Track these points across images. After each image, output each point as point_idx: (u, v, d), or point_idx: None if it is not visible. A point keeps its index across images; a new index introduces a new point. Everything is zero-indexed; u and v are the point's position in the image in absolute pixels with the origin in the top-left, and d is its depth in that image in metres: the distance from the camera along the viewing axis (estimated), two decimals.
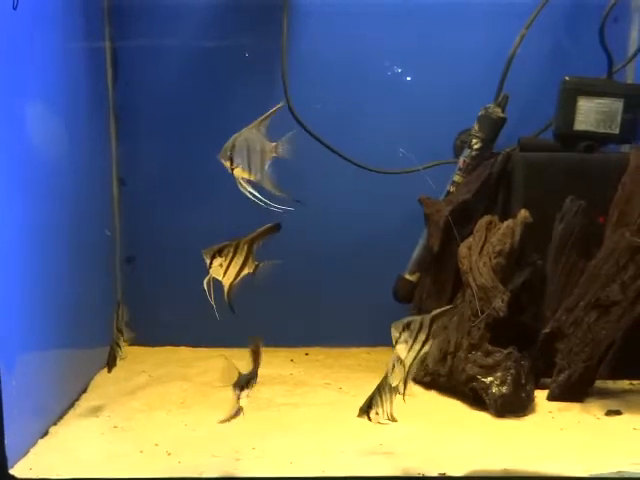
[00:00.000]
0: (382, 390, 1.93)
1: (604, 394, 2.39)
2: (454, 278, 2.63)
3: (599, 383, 2.41)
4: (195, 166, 3.01)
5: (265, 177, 1.99)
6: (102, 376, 2.59)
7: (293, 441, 2.04)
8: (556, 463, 1.89)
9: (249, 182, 1.99)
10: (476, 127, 2.80)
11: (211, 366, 2.72)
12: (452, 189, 2.81)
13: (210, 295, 1.94)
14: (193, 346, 2.97)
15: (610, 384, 2.46)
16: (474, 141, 2.79)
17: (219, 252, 1.94)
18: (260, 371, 2.57)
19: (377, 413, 1.94)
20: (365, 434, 2.05)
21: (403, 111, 2.98)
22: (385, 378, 1.93)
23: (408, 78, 2.98)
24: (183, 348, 2.97)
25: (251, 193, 1.99)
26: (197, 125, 2.99)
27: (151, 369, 2.68)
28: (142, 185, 2.98)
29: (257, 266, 2.00)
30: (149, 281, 3.00)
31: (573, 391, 2.34)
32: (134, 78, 2.95)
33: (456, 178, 2.81)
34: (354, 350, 2.96)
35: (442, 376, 2.45)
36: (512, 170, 2.69)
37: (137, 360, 2.76)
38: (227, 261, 1.95)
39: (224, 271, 1.94)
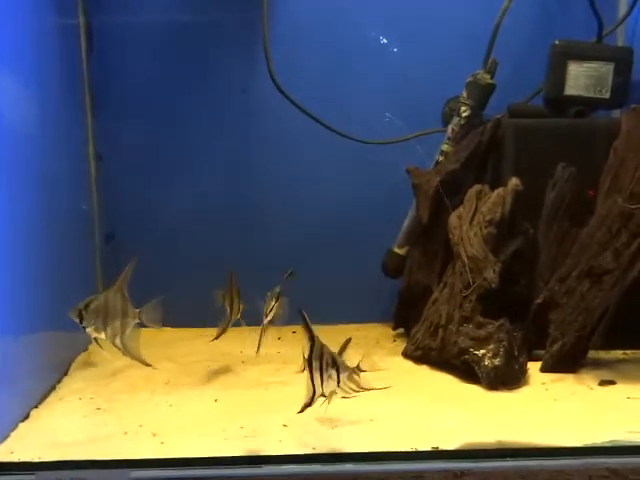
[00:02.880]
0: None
1: (597, 364, 2.41)
2: (444, 249, 2.64)
3: (592, 353, 2.43)
4: (175, 140, 2.99)
5: (126, 344, 2.03)
6: (84, 358, 2.59)
7: (282, 419, 2.03)
8: (550, 434, 1.90)
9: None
10: (465, 94, 2.79)
11: (195, 347, 2.73)
12: (441, 159, 2.81)
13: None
14: (176, 327, 2.97)
15: (603, 354, 2.49)
16: (463, 109, 2.78)
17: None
18: (246, 350, 2.61)
19: (336, 392, 1.88)
20: (356, 410, 2.06)
21: (389, 80, 2.97)
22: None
23: (394, 47, 2.97)
24: (166, 329, 2.96)
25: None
26: (176, 98, 2.98)
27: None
28: (120, 161, 2.96)
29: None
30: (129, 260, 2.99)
31: (566, 362, 2.36)
32: (110, 51, 2.92)
33: (445, 147, 2.81)
34: (343, 327, 2.96)
35: (433, 350, 2.46)
36: (502, 137, 2.68)
37: None
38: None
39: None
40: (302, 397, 2.21)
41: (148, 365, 2.11)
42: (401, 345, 2.72)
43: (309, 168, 2.98)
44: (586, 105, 2.71)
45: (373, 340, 2.89)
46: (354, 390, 1.95)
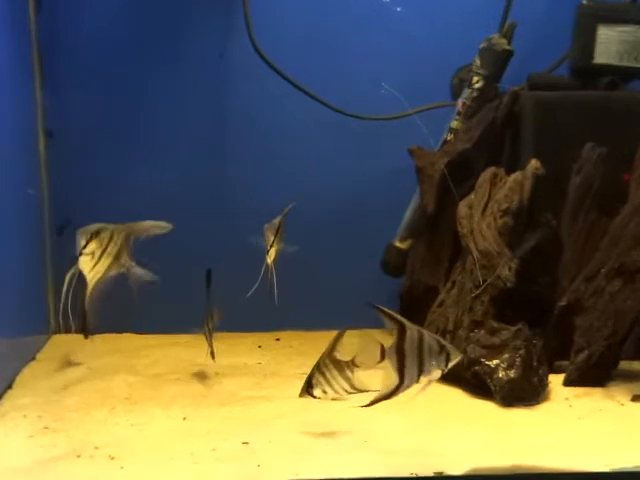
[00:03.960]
0: (323, 365, 2.00)
1: (630, 377, 2.42)
2: (453, 244, 2.65)
3: (624, 364, 2.44)
4: (140, 113, 2.99)
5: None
6: (31, 369, 2.59)
7: (261, 440, 2.04)
8: (574, 458, 1.91)
9: None
10: (477, 62, 2.81)
11: (162, 356, 2.73)
12: (449, 137, 2.82)
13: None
14: (139, 333, 2.97)
15: (637, 365, 2.50)
16: (475, 79, 2.80)
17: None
18: (221, 360, 2.61)
19: (325, 392, 2.00)
20: (347, 430, 2.06)
21: (391, 46, 2.98)
22: (327, 354, 2.01)
23: (394, 6, 2.98)
24: (128, 335, 2.97)
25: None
26: (141, 65, 2.97)
27: (89, 360, 2.67)
28: (73, 138, 2.96)
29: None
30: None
31: (593, 374, 2.37)
32: (62, 9, 2.92)
33: (454, 124, 2.82)
34: (334, 334, 2.96)
35: None
36: (520, 113, 2.70)
37: (72, 350, 2.75)
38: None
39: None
40: (286, 415, 2.23)
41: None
42: None
43: (296, 147, 2.99)
44: (619, 75, 2.72)
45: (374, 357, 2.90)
46: (347, 392, 1.98)
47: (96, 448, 2.02)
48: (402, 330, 1.82)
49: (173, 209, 2.99)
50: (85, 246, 2.02)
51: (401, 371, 1.80)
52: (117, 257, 2.07)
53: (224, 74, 2.99)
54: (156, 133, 2.99)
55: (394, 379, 1.81)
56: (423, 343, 1.81)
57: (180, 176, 3.01)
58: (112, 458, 1.97)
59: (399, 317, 1.84)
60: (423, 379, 1.83)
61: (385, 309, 1.84)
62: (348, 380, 2.00)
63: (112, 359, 2.70)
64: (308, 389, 2.03)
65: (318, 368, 2.03)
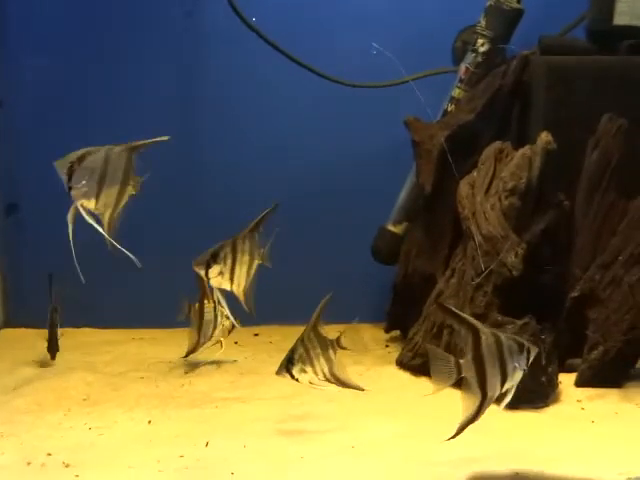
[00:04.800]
0: (307, 339, 2.03)
1: None
2: (452, 227, 2.66)
3: None
4: (100, 81, 2.99)
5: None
6: None
7: (235, 446, 2.05)
8: (585, 465, 1.93)
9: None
10: (483, 23, 2.81)
11: (125, 352, 2.74)
12: (450, 108, 2.83)
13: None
14: (99, 327, 2.98)
15: None
16: (480, 42, 2.80)
17: (213, 258, 2.02)
18: (192, 358, 2.63)
19: (304, 371, 2.01)
20: (332, 434, 2.08)
21: (384, 3, 2.98)
22: (311, 326, 2.05)
23: None
24: (86, 330, 2.97)
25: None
26: (100, 27, 2.97)
27: (43, 357, 2.68)
28: (26, 108, 2.95)
29: (263, 253, 2.17)
30: (38, 239, 2.99)
31: (609, 373, 2.39)
32: None
33: (456, 93, 2.83)
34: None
35: None
36: (530, 80, 2.71)
37: (24, 346, 2.76)
38: (228, 266, 2.08)
39: (230, 277, 2.02)
40: (264, 417, 2.24)
41: None
42: (395, 351, 2.74)
43: (277, 117, 2.99)
44: None
45: (361, 345, 2.91)
46: (328, 380, 2.00)
47: (49, 455, 2.03)
48: (476, 336, 1.77)
49: (141, 190, 2.99)
50: (70, 179, 1.98)
51: (483, 384, 1.77)
52: (124, 182, 2.03)
53: (192, 36, 2.98)
54: (117, 103, 2.99)
55: (475, 394, 1.77)
56: (502, 346, 1.78)
57: (146, 153, 3.00)
58: (67, 466, 1.97)
59: (472, 320, 1.80)
60: (508, 386, 1.81)
61: (455, 310, 1.81)
62: (329, 362, 2.04)
63: (68, 356, 2.71)
64: (288, 365, 2.05)
65: (302, 341, 2.06)
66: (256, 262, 2.20)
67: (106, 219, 2.01)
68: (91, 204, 1.99)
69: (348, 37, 2.96)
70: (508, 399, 1.85)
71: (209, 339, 2.59)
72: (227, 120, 3.04)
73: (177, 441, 2.10)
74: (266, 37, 2.89)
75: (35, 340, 2.80)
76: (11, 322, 2.95)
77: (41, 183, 2.95)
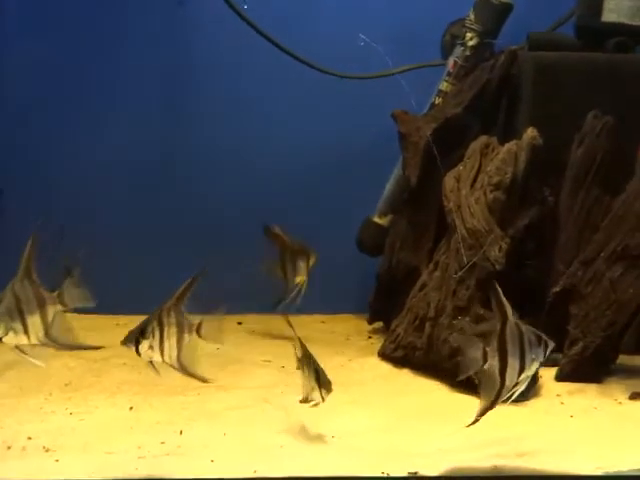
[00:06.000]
0: (165, 314, 1.96)
1: (629, 372, 2.45)
2: (437, 220, 2.67)
3: (623, 358, 2.47)
4: (87, 67, 2.98)
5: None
6: None
7: (215, 433, 2.05)
8: (564, 459, 1.94)
9: None
10: (472, 17, 2.81)
11: (107, 339, 2.73)
12: (438, 101, 2.83)
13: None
14: (82, 313, 2.96)
15: (638, 359, 2.53)
16: (469, 36, 2.80)
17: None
18: None
19: (151, 347, 1.96)
20: (313, 424, 2.08)
21: None
22: (176, 297, 1.96)
23: None
24: (67, 315, 2.96)
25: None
26: (91, 17, 2.96)
27: None
28: (9, 92, 2.95)
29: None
30: (21, 224, 2.96)
31: (589, 368, 2.41)
32: None
33: (443, 86, 2.83)
34: (305, 318, 2.99)
35: (418, 349, 2.50)
36: (518, 75, 2.71)
37: None
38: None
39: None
40: (245, 406, 2.25)
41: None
42: (377, 343, 2.75)
43: (265, 106, 2.98)
44: (630, 36, 2.73)
45: (342, 336, 2.93)
46: (172, 366, 1.98)
47: (29, 439, 2.03)
48: (504, 321, 1.79)
49: (125, 179, 3.00)
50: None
51: (503, 372, 1.79)
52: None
53: (185, 24, 2.98)
54: (106, 91, 2.97)
55: (493, 381, 1.79)
56: (523, 337, 1.80)
57: (132, 139, 3.00)
58: (46, 450, 1.98)
59: (508, 305, 1.80)
60: (523, 377, 1.83)
61: (499, 291, 1.80)
62: (179, 347, 1.99)
63: None
64: (138, 337, 1.97)
65: (159, 315, 1.98)
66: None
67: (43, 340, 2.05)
68: (22, 338, 2.01)
69: (337, 27, 2.97)
70: (521, 390, 1.87)
71: None
72: (217, 109, 3.03)
73: (158, 428, 2.11)
74: (258, 27, 2.89)
75: None
76: None
77: (25, 170, 2.96)
